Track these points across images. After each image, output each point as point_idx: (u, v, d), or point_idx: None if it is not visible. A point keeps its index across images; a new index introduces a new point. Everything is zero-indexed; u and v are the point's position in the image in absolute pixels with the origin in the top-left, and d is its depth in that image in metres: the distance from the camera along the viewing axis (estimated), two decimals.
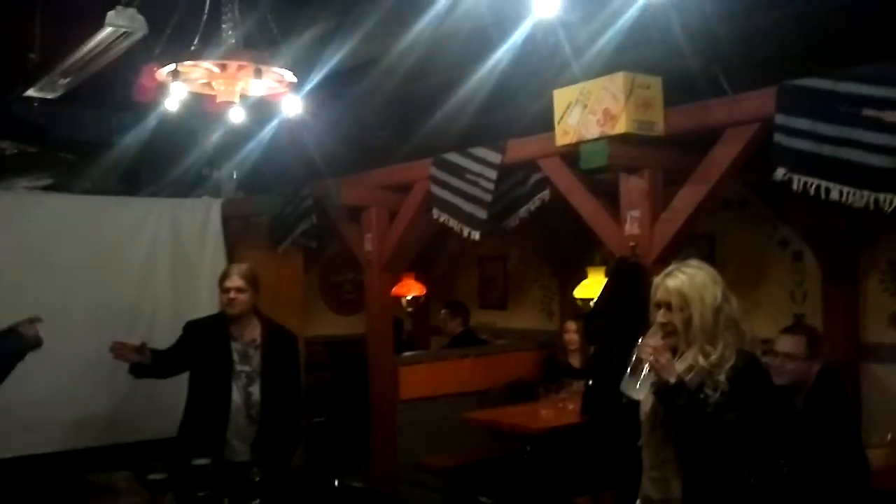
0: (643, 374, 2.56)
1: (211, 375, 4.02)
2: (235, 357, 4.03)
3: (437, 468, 5.34)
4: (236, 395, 3.99)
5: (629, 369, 2.59)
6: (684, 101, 3.56)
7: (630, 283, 3.54)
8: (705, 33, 3.28)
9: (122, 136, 5.15)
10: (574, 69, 3.67)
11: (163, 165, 5.35)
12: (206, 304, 5.42)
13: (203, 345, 4.08)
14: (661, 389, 2.54)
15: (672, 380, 2.52)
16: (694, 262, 2.69)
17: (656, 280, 2.70)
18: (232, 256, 5.85)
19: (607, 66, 3.52)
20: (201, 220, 5.68)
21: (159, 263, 5.42)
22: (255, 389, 4.02)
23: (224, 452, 3.90)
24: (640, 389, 2.57)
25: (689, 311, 2.59)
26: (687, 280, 2.62)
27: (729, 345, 2.56)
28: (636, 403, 2.66)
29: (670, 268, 2.70)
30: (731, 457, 2.49)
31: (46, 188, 5.11)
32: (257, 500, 3.22)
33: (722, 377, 2.51)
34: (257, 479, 3.29)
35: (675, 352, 2.63)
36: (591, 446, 4.21)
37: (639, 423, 2.70)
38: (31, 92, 4.63)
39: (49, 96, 4.62)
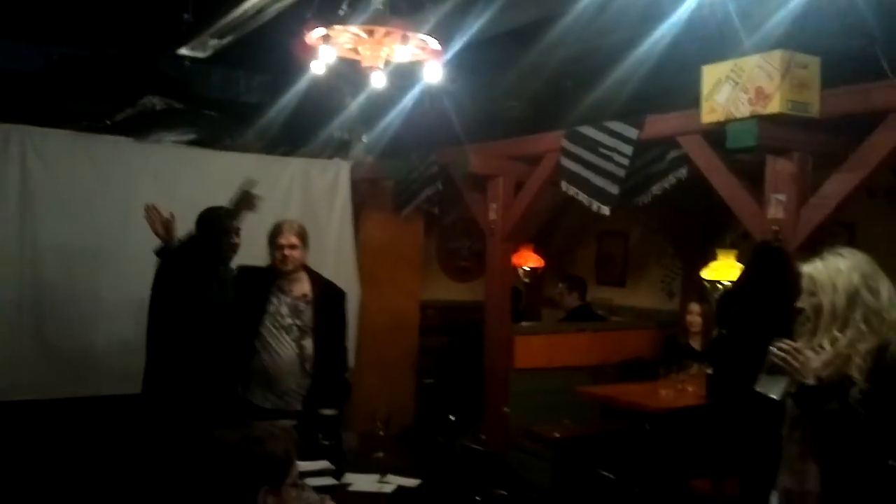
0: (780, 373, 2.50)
1: (255, 326, 4.01)
2: (286, 311, 4.04)
3: (548, 438, 5.38)
4: (289, 348, 4.01)
5: (765, 368, 2.53)
6: (842, 83, 3.40)
7: (771, 269, 3.44)
8: (872, 12, 3.12)
9: (264, 97, 5.31)
10: (726, 46, 3.55)
11: (300, 127, 5.49)
12: (331, 261, 5.61)
13: (251, 293, 4.05)
14: (798, 392, 2.47)
15: (809, 381, 2.45)
16: (843, 250, 2.58)
17: None
18: (358, 217, 6.02)
19: (764, 44, 3.40)
20: (331, 180, 5.86)
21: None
22: (309, 343, 4.03)
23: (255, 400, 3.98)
24: (777, 389, 2.51)
25: (820, 298, 2.51)
26: (821, 265, 2.54)
27: (863, 336, 2.44)
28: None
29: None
30: (872, 455, 2.40)
31: (191, 143, 5.32)
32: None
33: (855, 372, 2.41)
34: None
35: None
36: (713, 430, 4.15)
37: (776, 414, 2.65)
38: (182, 51, 4.83)
39: (199, 56, 4.81)
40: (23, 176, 4.80)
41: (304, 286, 4.13)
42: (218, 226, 3.88)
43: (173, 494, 3.05)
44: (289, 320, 4.04)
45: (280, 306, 4.05)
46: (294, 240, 4.07)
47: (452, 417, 4.88)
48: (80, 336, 4.91)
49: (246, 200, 3.89)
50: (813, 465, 2.54)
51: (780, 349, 2.49)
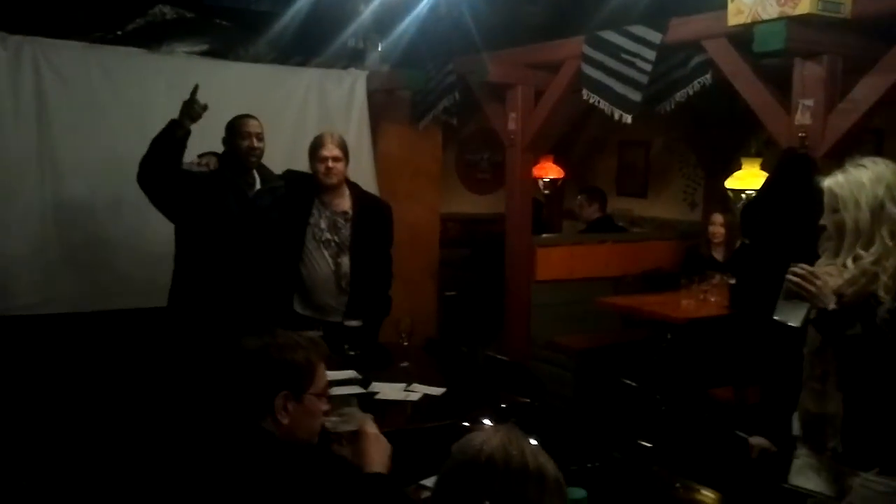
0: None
1: (300, 236, 3.99)
2: (325, 225, 4.01)
3: (569, 348, 5.42)
4: (325, 264, 4.01)
5: (783, 294, 2.39)
6: None
7: (796, 177, 3.36)
8: None
9: (276, 5, 5.16)
10: None
11: (313, 36, 5.36)
12: (350, 175, 5.54)
13: (294, 202, 4.01)
14: (817, 319, 2.35)
15: (830, 306, 2.31)
16: (866, 160, 2.41)
17: None
18: (374, 129, 5.93)
19: None
20: (347, 91, 5.74)
21: (306, 132, 5.49)
22: (345, 260, 4.02)
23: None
24: (796, 316, 2.38)
25: (842, 215, 2.37)
26: (843, 179, 2.38)
27: (890, 252, 2.30)
28: None
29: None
30: None
31: (203, 54, 5.21)
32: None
33: (882, 291, 2.28)
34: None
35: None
36: (736, 339, 4.14)
37: (798, 334, 2.55)
38: None
39: None
40: (37, 88, 4.74)
41: (344, 202, 4.09)
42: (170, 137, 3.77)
43: (190, 398, 3.11)
44: (327, 235, 4.03)
45: (320, 219, 4.03)
46: (337, 151, 4.02)
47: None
48: (101, 249, 4.93)
49: (187, 108, 3.77)
50: (834, 388, 2.44)
51: (795, 274, 2.36)
